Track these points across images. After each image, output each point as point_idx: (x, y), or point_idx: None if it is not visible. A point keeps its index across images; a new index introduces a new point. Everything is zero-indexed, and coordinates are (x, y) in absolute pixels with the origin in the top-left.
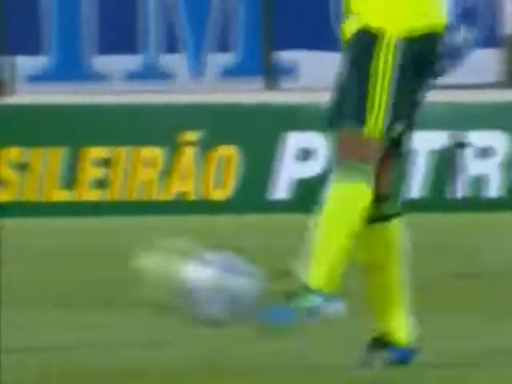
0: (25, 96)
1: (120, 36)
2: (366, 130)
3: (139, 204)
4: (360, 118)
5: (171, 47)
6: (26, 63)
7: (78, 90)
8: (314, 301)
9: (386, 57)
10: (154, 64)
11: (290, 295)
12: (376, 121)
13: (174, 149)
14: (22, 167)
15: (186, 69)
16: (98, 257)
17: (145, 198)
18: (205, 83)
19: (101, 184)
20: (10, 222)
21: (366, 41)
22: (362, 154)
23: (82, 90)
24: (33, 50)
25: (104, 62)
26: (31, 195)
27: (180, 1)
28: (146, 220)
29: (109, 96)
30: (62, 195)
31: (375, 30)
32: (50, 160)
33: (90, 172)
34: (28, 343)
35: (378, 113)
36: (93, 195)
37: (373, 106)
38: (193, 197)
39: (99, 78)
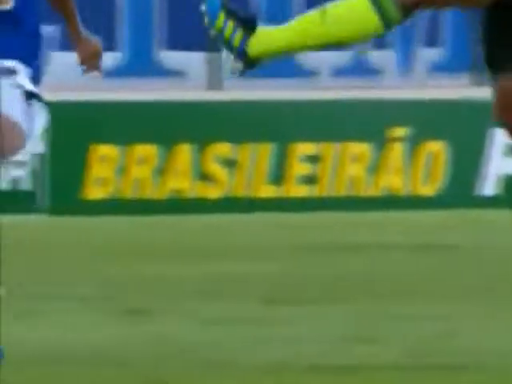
0: (233, 92)
1: None
2: None
3: (347, 200)
4: None
5: (380, 43)
6: None
7: (286, 86)
8: (234, 35)
9: None
10: (363, 60)
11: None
12: None
13: (382, 144)
14: (231, 163)
15: (394, 65)
16: (305, 252)
17: (353, 193)
18: (413, 79)
19: (309, 180)
20: (219, 218)
21: None
22: None
23: (290, 86)
24: None
25: (313, 59)
26: (239, 191)
27: None
28: (354, 216)
29: (317, 92)
30: (269, 191)
31: None
32: (258, 156)
33: (298, 168)
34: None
35: None
36: (301, 191)
37: None
38: (401, 192)
39: (307, 74)
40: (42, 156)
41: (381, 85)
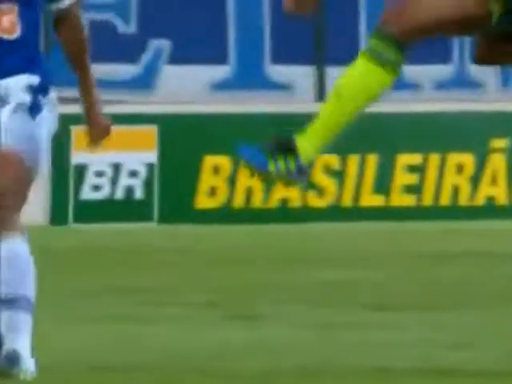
0: None
1: (431, 46)
2: None
3: (449, 209)
4: None
5: None
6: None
7: (390, 99)
8: (288, 164)
9: None
10: (464, 73)
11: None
12: None
13: (483, 155)
14: (337, 173)
15: (494, 78)
16: (409, 259)
17: (454, 203)
18: None
19: (412, 189)
20: (325, 227)
21: None
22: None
23: (394, 98)
24: (350, 59)
25: (415, 72)
26: (345, 200)
27: None
28: (455, 224)
29: (420, 104)
30: (374, 200)
31: None
32: (364, 166)
33: (402, 178)
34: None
35: None
36: (404, 200)
37: None
38: (502, 202)
39: (411, 86)
40: (154, 166)
41: (482, 97)
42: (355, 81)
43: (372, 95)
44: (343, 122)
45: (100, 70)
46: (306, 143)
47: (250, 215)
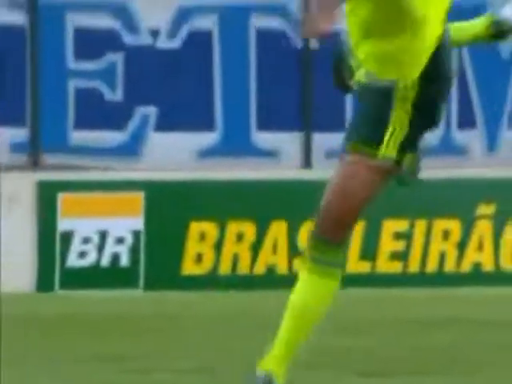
0: (324, 171)
1: None
2: (380, 152)
3: (435, 275)
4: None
5: (465, 123)
6: (326, 139)
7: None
8: None
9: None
10: (450, 139)
11: None
12: (390, 144)
13: (470, 221)
14: None
15: (480, 143)
16: (397, 326)
17: (441, 269)
18: (498, 158)
19: (399, 256)
20: None
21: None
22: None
23: None
24: (336, 126)
25: None
26: None
27: (472, 78)
28: (442, 291)
29: None
30: (360, 267)
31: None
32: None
33: (389, 244)
34: None
35: (391, 136)
36: (391, 267)
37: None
38: (488, 268)
39: None
40: (140, 233)
41: (468, 163)
42: (308, 299)
43: (327, 305)
44: (305, 336)
45: (87, 137)
46: (275, 368)
47: (237, 282)
